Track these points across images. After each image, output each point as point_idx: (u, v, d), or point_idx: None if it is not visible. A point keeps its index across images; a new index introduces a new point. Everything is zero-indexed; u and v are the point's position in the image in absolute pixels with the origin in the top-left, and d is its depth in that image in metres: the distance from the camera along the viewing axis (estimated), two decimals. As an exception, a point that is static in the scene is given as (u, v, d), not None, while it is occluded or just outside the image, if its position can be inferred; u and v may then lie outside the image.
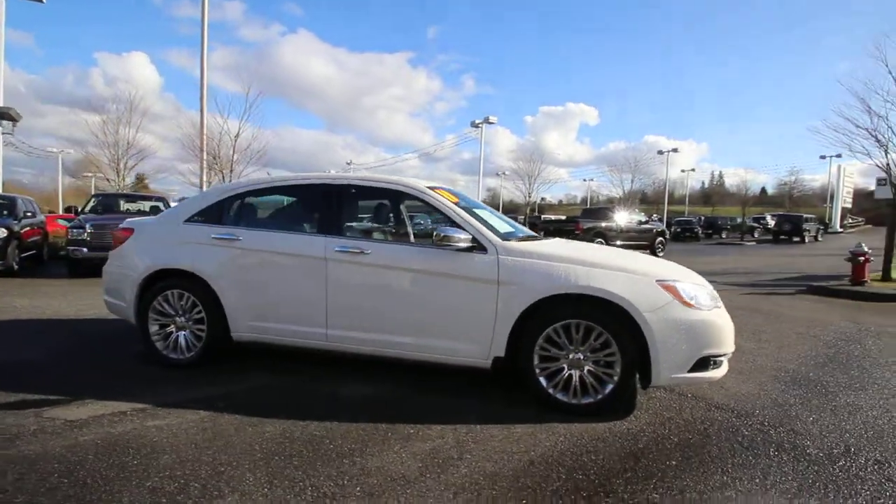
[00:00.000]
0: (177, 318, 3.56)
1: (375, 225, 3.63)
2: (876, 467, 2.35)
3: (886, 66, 8.72)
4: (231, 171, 11.84)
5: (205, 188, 13.93)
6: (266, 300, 3.39)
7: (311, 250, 3.28)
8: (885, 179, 10.23)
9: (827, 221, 33.11)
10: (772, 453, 2.47)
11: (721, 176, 74.24)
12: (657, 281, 2.85)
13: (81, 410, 2.78)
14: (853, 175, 35.22)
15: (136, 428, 2.58)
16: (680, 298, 2.81)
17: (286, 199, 3.86)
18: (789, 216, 27.21)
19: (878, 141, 8.82)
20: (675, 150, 35.70)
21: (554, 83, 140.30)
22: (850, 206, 36.99)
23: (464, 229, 3.05)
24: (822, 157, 33.58)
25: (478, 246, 3.03)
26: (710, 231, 31.96)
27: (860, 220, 39.97)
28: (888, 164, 8.88)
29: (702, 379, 2.89)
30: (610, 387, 2.83)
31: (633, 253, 4.27)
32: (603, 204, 36.33)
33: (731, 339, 2.90)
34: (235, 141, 11.57)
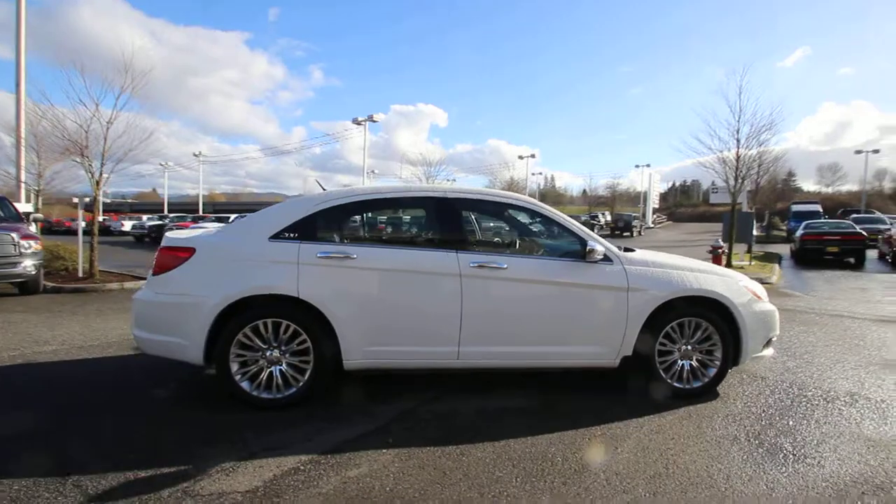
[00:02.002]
0: (268, 352, 3.06)
1: (500, 239, 3.62)
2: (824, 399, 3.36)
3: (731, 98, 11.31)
4: (102, 165, 9.62)
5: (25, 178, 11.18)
6: (387, 322, 3.14)
7: (443, 267, 3.16)
8: (716, 187, 13.31)
9: (641, 218, 41.02)
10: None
11: (553, 179, 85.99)
12: (739, 281, 3.53)
13: (241, 475, 2.30)
14: (657, 180, 44.36)
15: (347, 482, 2.26)
16: (755, 294, 3.53)
17: (387, 213, 3.57)
18: (623, 215, 33.14)
19: (723, 160, 11.50)
20: (532, 156, 40.03)
21: (405, 83, 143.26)
22: (657, 206, 46.43)
23: (598, 242, 3.32)
24: (637, 166, 41.31)
25: (606, 257, 3.33)
26: (557, 228, 36.85)
27: (664, 217, 50.37)
28: (727, 176, 11.62)
29: (765, 356, 3.66)
30: (713, 371, 3.42)
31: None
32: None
33: (779, 323, 3.74)
34: (108, 129, 9.43)
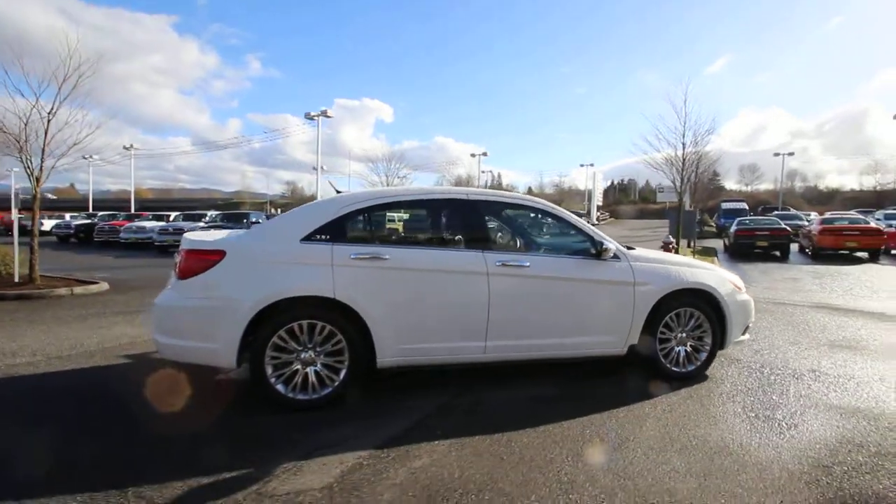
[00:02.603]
0: (302, 354, 3.09)
1: (519, 239, 3.80)
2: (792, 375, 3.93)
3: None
4: (43, 161, 8.81)
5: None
6: (419, 320, 3.26)
7: (471, 266, 3.32)
8: (662, 187, 14.35)
9: (587, 215, 43.04)
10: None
11: (500, 176, 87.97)
12: (723, 274, 3.97)
13: (309, 474, 2.35)
14: (600, 178, 46.80)
15: (416, 472, 2.38)
16: (736, 286, 3.99)
17: (408, 214, 3.65)
18: (574, 212, 34.52)
19: (670, 161, 12.45)
20: (484, 154, 40.79)
21: (349, 76, 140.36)
22: (601, 202, 48.86)
23: (610, 241, 3.61)
24: (582, 165, 43.28)
25: (615, 255, 3.63)
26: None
27: (607, 214, 53.11)
28: (674, 176, 12.60)
29: (744, 340, 4.13)
30: (704, 355, 3.83)
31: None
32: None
33: (754, 311, 4.23)
34: (48, 122, 8.67)
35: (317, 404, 3.09)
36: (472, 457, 2.54)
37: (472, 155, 41.79)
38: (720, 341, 3.86)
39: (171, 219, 22.79)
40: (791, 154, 40.20)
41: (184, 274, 3.05)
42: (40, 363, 4.22)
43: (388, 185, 41.07)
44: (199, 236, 3.39)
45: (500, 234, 3.89)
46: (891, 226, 15.16)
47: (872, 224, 14.44)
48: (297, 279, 3.07)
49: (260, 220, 20.88)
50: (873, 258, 13.50)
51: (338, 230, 3.24)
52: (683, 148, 11.98)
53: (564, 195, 47.18)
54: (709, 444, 2.70)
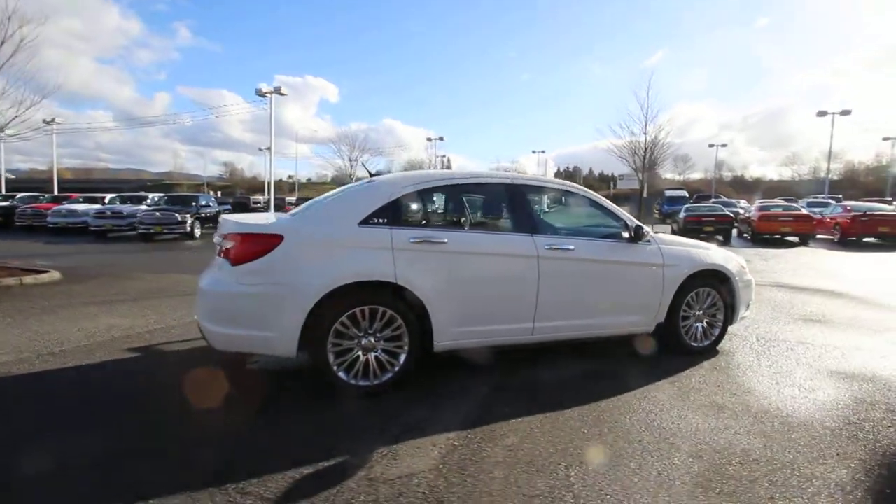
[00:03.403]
0: (363, 339, 3.04)
1: (560, 222, 3.88)
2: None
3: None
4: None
5: None
6: (475, 304, 3.30)
7: (523, 249, 3.39)
8: (623, 175, 15.08)
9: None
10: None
11: (449, 161, 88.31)
12: (733, 256, 4.32)
13: (409, 457, 2.36)
14: (552, 165, 48.43)
15: (512, 449, 2.46)
16: (742, 268, 4.35)
17: (457, 198, 3.63)
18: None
19: (633, 150, 13.11)
20: (442, 138, 40.89)
21: (291, 52, 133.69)
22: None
23: (644, 226, 3.80)
24: (534, 151, 44.39)
25: (648, 239, 3.84)
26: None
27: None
28: (636, 164, 13.29)
29: (747, 316, 4.53)
30: (717, 331, 4.17)
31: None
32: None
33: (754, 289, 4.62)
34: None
35: (378, 390, 3.07)
36: (555, 431, 2.65)
37: (429, 139, 41.77)
38: (731, 317, 4.22)
39: (106, 201, 21.05)
40: (724, 146, 43.47)
41: (239, 259, 2.89)
42: (33, 361, 3.84)
43: (351, 167, 40.12)
44: (248, 219, 3.21)
45: (544, 218, 3.98)
46: (815, 213, 16.88)
47: (803, 211, 16.06)
48: (360, 263, 3.00)
49: (210, 203, 19.75)
50: (804, 242, 15.04)
51: (393, 213, 3.19)
52: (645, 137, 12.68)
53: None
54: (752, 409, 2.99)
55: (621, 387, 3.31)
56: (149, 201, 20.78)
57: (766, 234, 15.27)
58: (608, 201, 3.97)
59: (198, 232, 16.81)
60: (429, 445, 2.48)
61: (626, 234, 3.81)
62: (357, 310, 2.99)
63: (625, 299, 3.79)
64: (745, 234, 16.58)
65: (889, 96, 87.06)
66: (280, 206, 26.76)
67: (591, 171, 76.10)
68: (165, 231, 16.12)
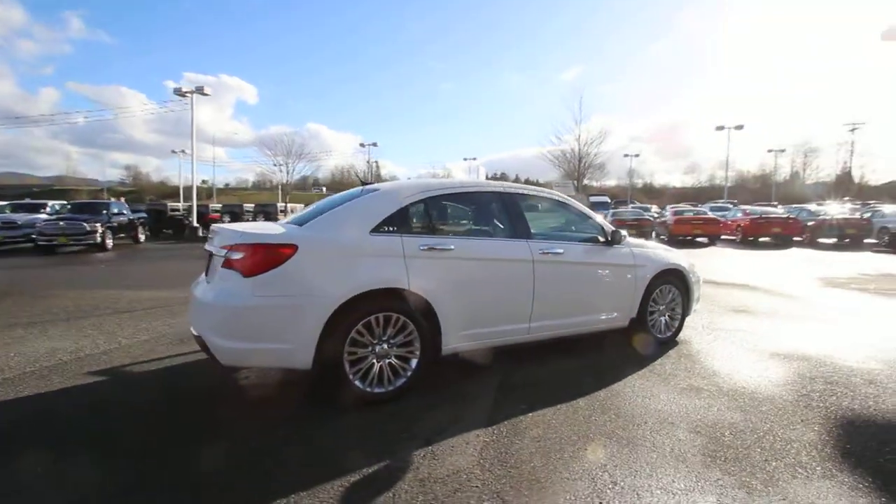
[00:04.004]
0: (377, 347, 3.07)
1: (555, 228, 4.11)
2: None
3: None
4: None
5: None
6: (479, 307, 3.43)
7: (520, 254, 3.59)
8: (559, 182, 16.01)
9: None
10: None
11: (377, 166, 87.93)
12: (685, 256, 4.86)
13: (449, 455, 2.45)
14: (483, 172, 49.99)
15: (541, 440, 2.63)
16: (692, 265, 4.91)
17: (457, 206, 3.72)
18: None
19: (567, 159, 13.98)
20: (375, 144, 40.51)
21: (201, 49, 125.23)
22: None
23: (619, 232, 4.17)
24: (465, 159, 45.55)
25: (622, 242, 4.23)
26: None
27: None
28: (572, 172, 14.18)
29: (696, 309, 5.09)
30: (677, 323, 4.67)
31: None
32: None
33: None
34: None
35: (392, 396, 3.10)
36: (571, 421, 2.86)
37: (362, 145, 41.21)
38: (687, 310, 4.74)
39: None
40: (637, 155, 47.55)
41: (253, 270, 2.79)
42: (19, 380, 3.42)
43: (288, 172, 38.40)
44: (257, 229, 3.09)
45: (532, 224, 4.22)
46: (720, 216, 19.04)
47: (711, 215, 18.07)
48: (375, 271, 3.03)
49: (124, 211, 18.03)
50: (712, 242, 16.93)
51: (402, 221, 3.25)
52: (579, 146, 13.62)
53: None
54: (724, 389, 3.42)
55: (610, 378, 3.62)
56: (49, 209, 18.56)
57: (680, 236, 16.97)
58: (588, 210, 4.31)
59: (110, 243, 15.34)
60: (462, 444, 2.58)
61: (601, 238, 4.17)
62: (372, 317, 3.02)
63: (606, 298, 4.14)
64: (662, 236, 18.29)
65: (772, 110, 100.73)
66: (203, 214, 25.05)
67: (517, 178, 79.32)
68: (71, 242, 14.49)
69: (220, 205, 27.96)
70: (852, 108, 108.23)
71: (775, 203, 28.30)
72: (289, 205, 32.16)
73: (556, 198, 4.19)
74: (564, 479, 2.24)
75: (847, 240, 16.12)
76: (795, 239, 17.16)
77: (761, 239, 17.39)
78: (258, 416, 2.95)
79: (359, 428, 2.76)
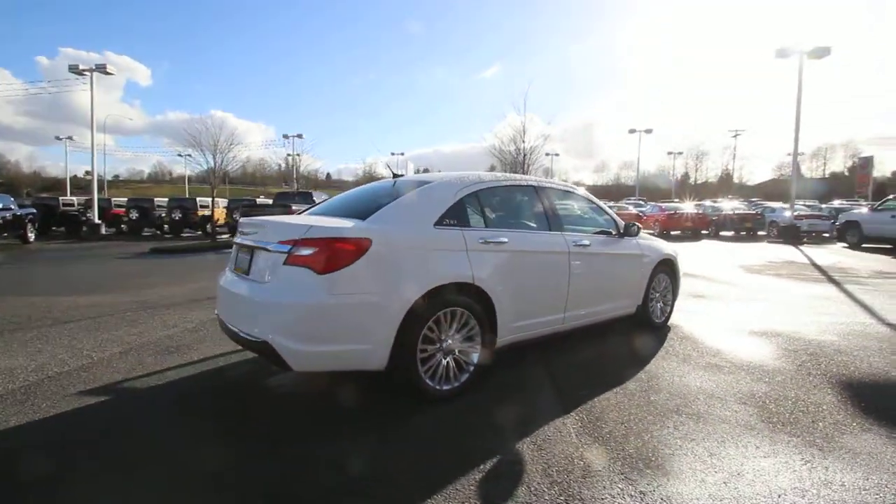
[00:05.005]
0: (444, 343, 3.01)
1: (574, 221, 4.22)
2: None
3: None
4: None
5: None
6: (527, 299, 3.49)
7: (560, 246, 3.72)
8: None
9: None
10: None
11: (300, 160, 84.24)
12: (671, 246, 5.32)
13: (553, 444, 2.48)
14: (411, 167, 49.87)
15: (624, 422, 2.75)
16: (676, 255, 5.39)
17: (503, 199, 3.72)
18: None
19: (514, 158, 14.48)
20: (299, 136, 38.37)
21: (83, 22, 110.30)
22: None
23: (631, 223, 4.44)
24: (393, 154, 45.15)
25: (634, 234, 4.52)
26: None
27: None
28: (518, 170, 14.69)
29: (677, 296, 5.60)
30: (669, 308, 5.11)
31: None
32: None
33: None
34: None
35: (456, 392, 3.07)
36: (633, 401, 3.05)
37: (285, 136, 39.07)
38: (676, 296, 5.20)
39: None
40: (557, 155, 50.50)
41: (329, 266, 2.59)
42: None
43: (216, 163, 34.91)
44: (328, 223, 2.85)
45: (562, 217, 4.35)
46: (642, 211, 20.89)
47: (633, 211, 19.76)
48: (445, 266, 2.97)
49: (11, 206, 15.45)
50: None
51: (460, 214, 3.22)
52: (524, 144, 14.18)
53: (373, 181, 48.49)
54: (737, 364, 3.83)
55: (637, 361, 3.88)
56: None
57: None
58: (602, 203, 4.55)
59: (-10, 243, 13.12)
60: (556, 432, 2.63)
61: (613, 231, 4.43)
62: (441, 312, 2.96)
63: (622, 286, 4.42)
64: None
65: (672, 113, 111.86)
66: (105, 209, 22.33)
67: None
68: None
69: (125, 199, 24.95)
70: (743, 116, 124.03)
71: (677, 199, 31.62)
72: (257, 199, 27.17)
73: (577, 192, 4.38)
74: (669, 456, 2.40)
75: (744, 232, 18.54)
76: (703, 232, 19.38)
77: (674, 232, 19.39)
78: (335, 421, 2.76)
79: (442, 427, 2.70)
